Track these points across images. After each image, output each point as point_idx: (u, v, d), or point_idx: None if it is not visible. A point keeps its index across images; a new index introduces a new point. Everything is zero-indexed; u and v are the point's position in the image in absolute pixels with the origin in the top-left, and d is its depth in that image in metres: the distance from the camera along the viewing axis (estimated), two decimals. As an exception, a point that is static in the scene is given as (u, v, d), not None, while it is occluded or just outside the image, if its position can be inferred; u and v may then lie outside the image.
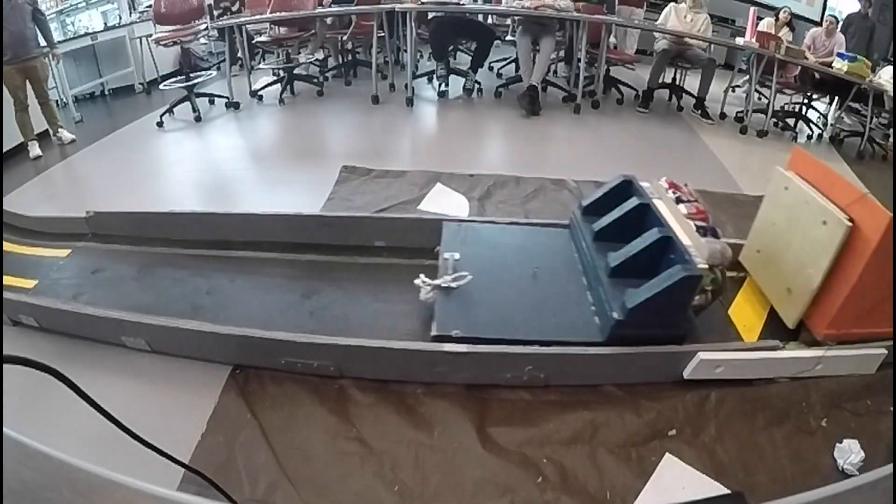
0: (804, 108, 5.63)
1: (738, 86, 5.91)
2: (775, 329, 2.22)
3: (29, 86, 4.04)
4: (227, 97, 5.24)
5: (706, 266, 1.84)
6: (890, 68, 5.04)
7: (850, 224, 1.85)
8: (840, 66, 4.78)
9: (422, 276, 2.11)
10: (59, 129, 4.34)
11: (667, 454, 1.73)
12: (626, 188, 2.33)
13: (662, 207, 2.14)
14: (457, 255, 2.23)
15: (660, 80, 5.56)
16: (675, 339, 1.92)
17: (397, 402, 1.86)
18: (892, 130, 5.07)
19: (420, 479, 1.62)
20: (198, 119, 4.90)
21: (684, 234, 1.99)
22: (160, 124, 4.80)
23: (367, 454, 1.69)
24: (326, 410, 1.83)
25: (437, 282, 2.09)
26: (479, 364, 1.88)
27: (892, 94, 4.65)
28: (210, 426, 1.76)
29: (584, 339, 1.91)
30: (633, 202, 2.20)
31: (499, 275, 2.19)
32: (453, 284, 2.09)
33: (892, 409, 1.90)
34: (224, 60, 6.07)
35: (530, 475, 1.65)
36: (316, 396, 1.88)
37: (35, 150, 4.08)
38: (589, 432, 1.78)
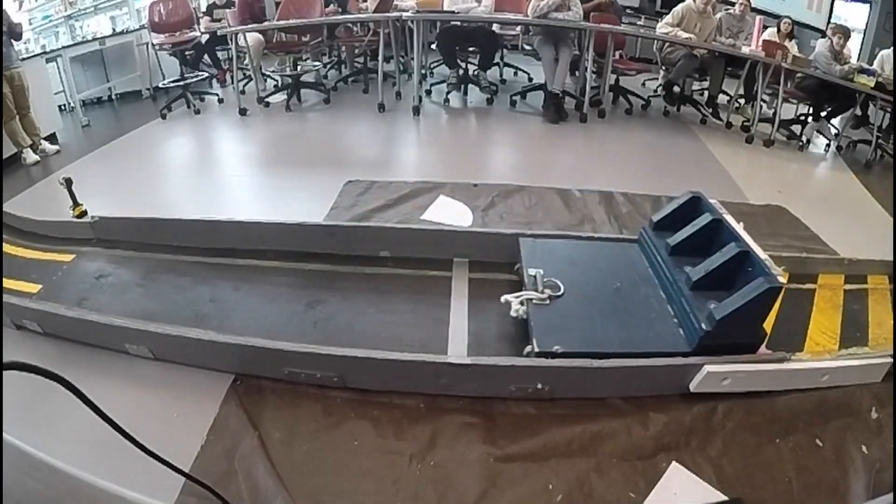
0: (814, 118, 5.56)
1: (742, 95, 5.88)
2: (781, 340, 2.22)
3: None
4: (216, 93, 5.57)
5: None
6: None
7: None
8: (866, 81, 4.74)
9: (506, 295, 2.15)
10: (42, 142, 4.27)
11: (674, 462, 1.72)
12: (695, 204, 2.41)
13: (733, 222, 2.20)
14: (541, 271, 2.26)
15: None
16: (749, 348, 1.98)
17: (401, 415, 1.85)
18: (893, 133, 5.04)
19: (422, 494, 1.61)
20: (196, 112, 5.24)
21: (756, 247, 2.06)
22: (164, 116, 5.08)
23: (369, 468, 1.68)
24: (328, 422, 1.82)
25: (526, 295, 2.14)
26: (484, 376, 1.86)
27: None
28: (210, 437, 1.75)
29: (672, 349, 1.96)
30: (706, 218, 2.27)
31: (584, 290, 2.24)
32: (546, 300, 2.14)
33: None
34: (228, 69, 6.18)
35: (535, 490, 1.63)
36: (318, 408, 1.87)
37: (31, 156, 4.09)
38: (595, 445, 1.76)
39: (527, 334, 2.08)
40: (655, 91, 6.16)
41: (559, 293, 2.18)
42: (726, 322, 1.86)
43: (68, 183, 2.83)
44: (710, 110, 5.44)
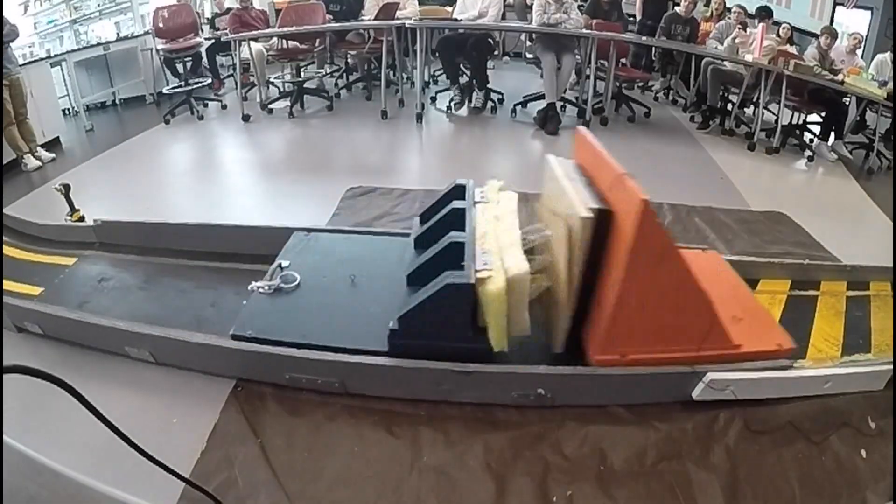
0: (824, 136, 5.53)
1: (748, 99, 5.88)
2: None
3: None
4: (219, 99, 5.66)
5: (487, 275, 1.70)
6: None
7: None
8: (878, 92, 4.74)
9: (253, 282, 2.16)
10: (38, 149, 4.25)
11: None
12: (457, 193, 2.23)
13: (485, 212, 2.07)
14: (285, 263, 2.26)
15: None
16: (466, 354, 1.83)
17: (402, 422, 1.84)
18: (893, 139, 5.03)
19: (423, 502, 1.60)
20: (200, 118, 5.30)
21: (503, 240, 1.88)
22: (167, 122, 5.15)
23: (370, 475, 1.67)
24: (329, 429, 1.81)
25: (257, 284, 2.15)
26: (486, 383, 1.86)
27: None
28: (210, 443, 1.75)
29: (375, 348, 1.87)
30: (449, 207, 2.11)
31: (319, 282, 2.20)
32: (269, 289, 2.15)
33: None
34: (231, 75, 6.21)
35: (537, 498, 1.62)
36: (319, 414, 1.86)
37: (33, 161, 4.10)
38: (597, 454, 1.75)
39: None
40: (656, 97, 6.19)
41: (292, 284, 2.17)
42: (409, 320, 1.77)
43: (66, 189, 2.83)
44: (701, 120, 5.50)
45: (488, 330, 1.77)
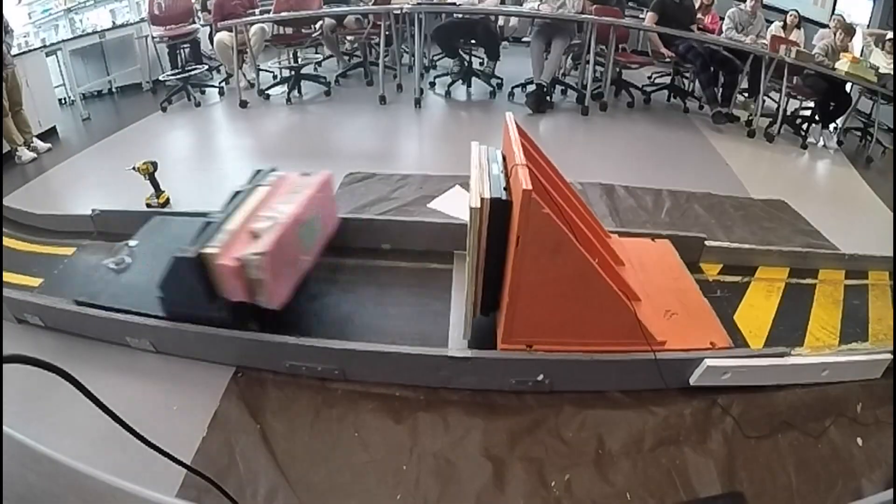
0: (820, 121, 5.50)
1: (745, 90, 5.83)
2: (781, 335, 2.22)
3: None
4: (216, 86, 5.66)
5: (217, 251, 1.83)
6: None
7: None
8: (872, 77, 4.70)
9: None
10: (34, 140, 4.21)
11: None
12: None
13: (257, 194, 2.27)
14: (133, 243, 2.42)
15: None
16: (217, 321, 1.96)
17: (401, 408, 1.85)
18: (893, 128, 5.02)
19: (422, 487, 1.61)
20: (197, 105, 5.29)
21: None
22: (164, 109, 5.13)
23: (370, 460, 1.68)
24: (329, 415, 1.82)
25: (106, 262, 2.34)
26: (485, 369, 1.87)
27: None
28: (210, 429, 1.76)
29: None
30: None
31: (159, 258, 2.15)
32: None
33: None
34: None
35: (535, 482, 1.63)
36: (318, 400, 1.87)
37: (27, 153, 4.06)
38: (595, 439, 1.77)
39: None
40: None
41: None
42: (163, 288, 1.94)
43: (153, 167, 2.82)
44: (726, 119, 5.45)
45: None
